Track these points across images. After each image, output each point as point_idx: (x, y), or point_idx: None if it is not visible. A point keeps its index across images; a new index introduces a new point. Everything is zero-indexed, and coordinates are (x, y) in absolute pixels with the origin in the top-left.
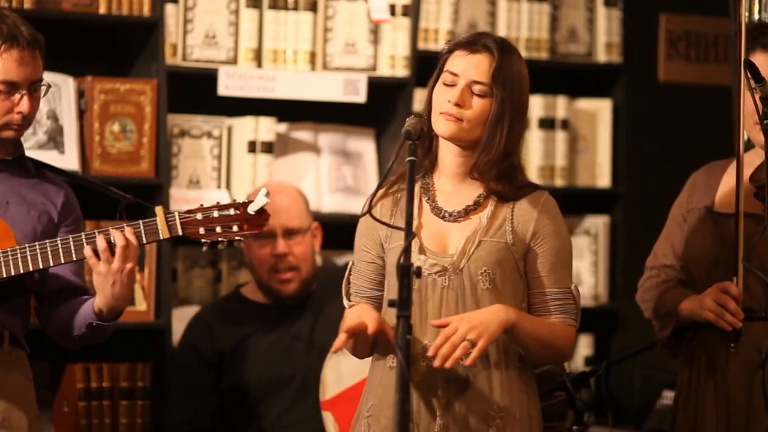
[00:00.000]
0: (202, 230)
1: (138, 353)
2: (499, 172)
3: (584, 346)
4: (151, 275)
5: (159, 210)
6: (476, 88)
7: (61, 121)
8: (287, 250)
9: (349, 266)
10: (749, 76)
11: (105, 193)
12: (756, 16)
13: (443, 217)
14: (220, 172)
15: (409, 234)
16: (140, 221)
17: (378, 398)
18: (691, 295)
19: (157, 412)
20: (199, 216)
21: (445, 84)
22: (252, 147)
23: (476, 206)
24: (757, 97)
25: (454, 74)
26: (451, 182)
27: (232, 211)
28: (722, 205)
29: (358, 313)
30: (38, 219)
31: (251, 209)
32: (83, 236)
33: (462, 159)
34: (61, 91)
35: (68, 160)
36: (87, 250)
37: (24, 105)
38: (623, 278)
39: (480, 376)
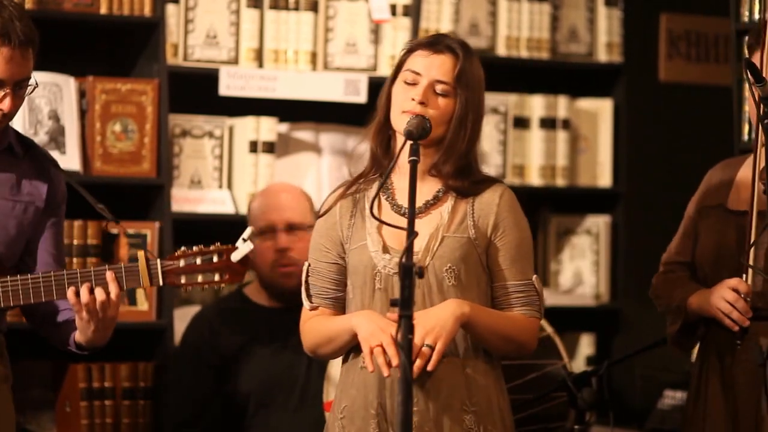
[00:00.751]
0: (183, 279)
1: (140, 353)
2: (458, 170)
3: (586, 346)
4: None
5: (141, 255)
6: (439, 87)
7: (63, 121)
8: (289, 245)
9: (305, 268)
10: (749, 75)
11: (91, 204)
12: (756, 16)
13: (403, 214)
14: (221, 172)
15: (411, 233)
16: (122, 265)
17: (351, 399)
18: (700, 290)
19: (159, 412)
20: (181, 263)
21: (406, 83)
22: (253, 147)
23: (435, 201)
24: (757, 96)
25: (417, 73)
26: (406, 179)
27: (215, 258)
28: (735, 203)
29: (378, 325)
30: (24, 212)
31: (234, 258)
32: (65, 275)
33: (421, 157)
34: (62, 91)
35: (70, 160)
36: (70, 294)
37: (6, 103)
38: (625, 278)
39: (450, 372)
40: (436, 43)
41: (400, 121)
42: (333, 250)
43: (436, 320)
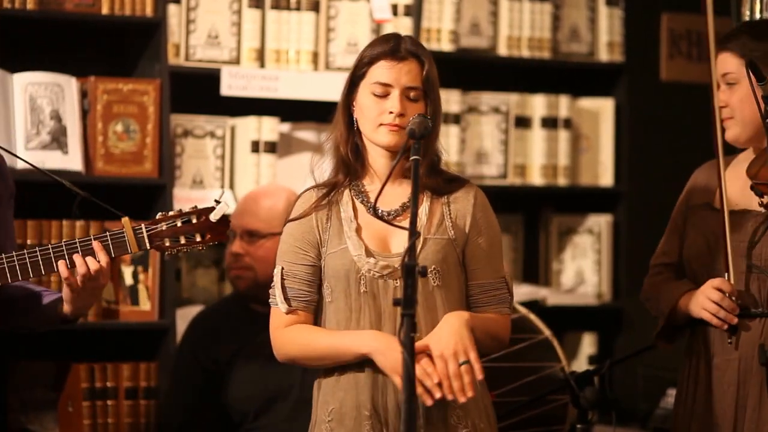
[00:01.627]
0: (167, 242)
1: (142, 353)
2: (429, 168)
3: (588, 345)
4: (155, 275)
5: (126, 222)
6: (411, 94)
7: (65, 121)
8: (242, 253)
9: (279, 272)
10: (751, 74)
11: (60, 185)
12: (757, 15)
13: (379, 217)
14: (223, 172)
15: (413, 233)
16: (107, 233)
17: (339, 401)
18: (687, 291)
19: (161, 411)
20: (164, 226)
21: (375, 95)
22: (255, 147)
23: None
24: (759, 95)
25: (386, 85)
26: (378, 181)
27: (194, 220)
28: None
29: (389, 346)
30: None
31: (213, 217)
32: (51, 250)
33: (392, 161)
34: (64, 91)
35: (72, 160)
36: (62, 267)
37: None
38: (626, 277)
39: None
40: (397, 50)
41: (378, 134)
42: (310, 253)
43: (451, 336)
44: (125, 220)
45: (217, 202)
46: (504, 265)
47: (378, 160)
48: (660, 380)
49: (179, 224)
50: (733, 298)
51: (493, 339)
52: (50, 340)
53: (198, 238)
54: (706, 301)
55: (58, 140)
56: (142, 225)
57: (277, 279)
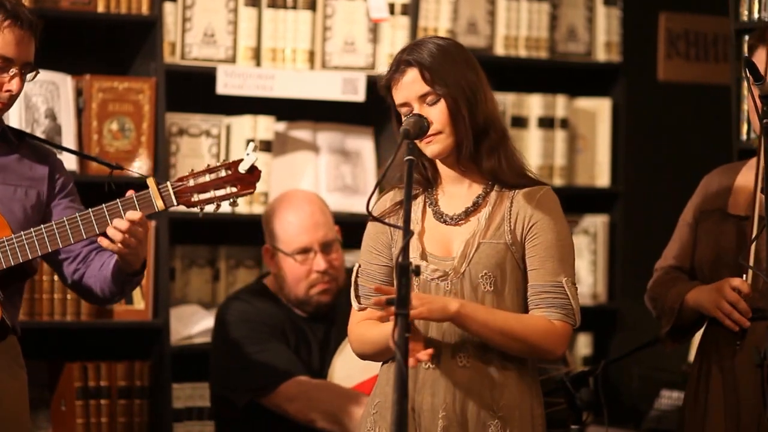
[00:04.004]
0: (196, 197)
1: (136, 352)
2: (489, 149)
3: (583, 346)
4: (149, 274)
5: (151, 181)
6: (427, 99)
7: (59, 119)
8: (328, 265)
9: (355, 268)
10: (748, 74)
11: (93, 161)
12: (756, 16)
13: (445, 222)
14: None
15: (407, 233)
16: (133, 194)
17: (385, 396)
18: (697, 286)
19: (155, 410)
20: (191, 182)
21: (405, 116)
22: None
23: (475, 207)
24: (756, 95)
25: (405, 104)
26: (452, 186)
27: (223, 173)
28: (736, 207)
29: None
30: (26, 196)
31: (242, 168)
32: (80, 218)
33: (453, 160)
34: (59, 89)
35: (66, 159)
36: (104, 241)
37: (14, 84)
38: (622, 278)
39: (478, 376)
40: (396, 70)
41: (425, 150)
42: (383, 254)
43: (432, 299)
44: (150, 179)
45: (247, 154)
46: (571, 273)
47: (442, 166)
48: (655, 381)
49: (208, 179)
50: (749, 300)
51: (512, 339)
52: (44, 339)
53: (228, 190)
54: (721, 300)
55: (53, 139)
56: (168, 183)
57: (353, 276)
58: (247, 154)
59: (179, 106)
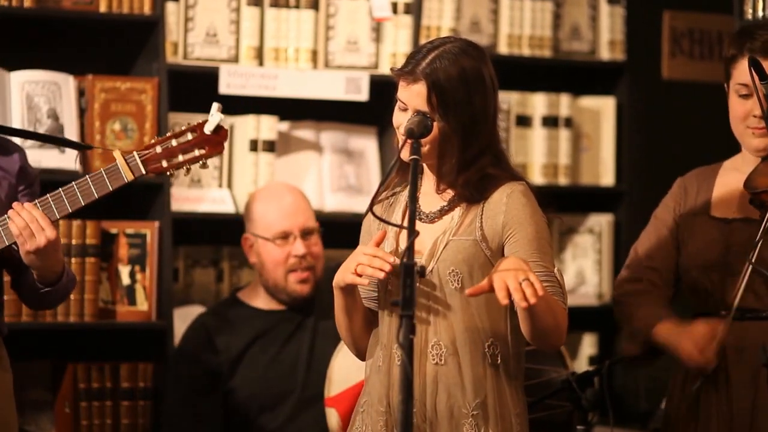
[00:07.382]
0: (164, 163)
1: (139, 353)
2: (465, 181)
3: (588, 346)
4: (152, 275)
5: (117, 154)
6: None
7: (62, 120)
8: (307, 251)
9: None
10: (754, 74)
11: (59, 143)
12: (760, 13)
13: (421, 219)
14: (221, 171)
15: (412, 233)
16: (101, 169)
17: (368, 394)
18: (666, 319)
19: (159, 412)
20: (158, 149)
21: (400, 109)
22: (254, 146)
23: (451, 206)
24: (761, 94)
25: (404, 103)
26: (430, 185)
27: (189, 136)
28: (720, 210)
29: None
30: None
31: (207, 129)
32: (50, 199)
33: (434, 166)
34: (61, 89)
35: (69, 159)
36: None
37: None
38: None
39: (451, 373)
40: (411, 72)
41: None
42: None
43: (510, 263)
44: (116, 152)
45: (211, 115)
46: (554, 263)
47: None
48: (662, 381)
49: (174, 144)
50: (724, 343)
51: (553, 316)
52: (48, 340)
53: (196, 153)
54: (694, 352)
55: None
56: (134, 152)
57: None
58: (212, 115)
59: (182, 106)
